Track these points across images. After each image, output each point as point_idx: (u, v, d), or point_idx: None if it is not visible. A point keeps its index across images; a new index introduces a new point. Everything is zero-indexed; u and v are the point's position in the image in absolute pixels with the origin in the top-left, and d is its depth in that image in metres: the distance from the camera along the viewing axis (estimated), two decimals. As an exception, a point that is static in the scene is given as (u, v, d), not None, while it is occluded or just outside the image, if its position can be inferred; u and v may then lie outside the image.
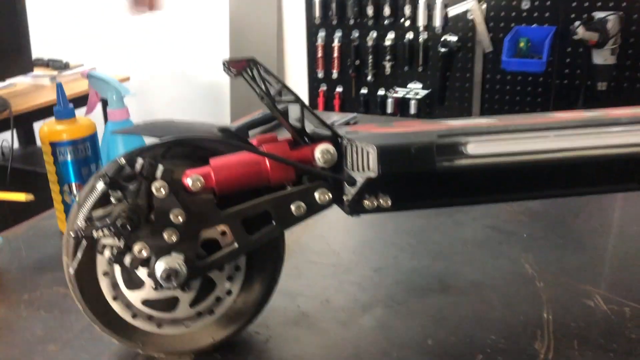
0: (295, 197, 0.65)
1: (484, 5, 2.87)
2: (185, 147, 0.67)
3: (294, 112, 0.68)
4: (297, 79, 3.43)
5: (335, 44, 3.21)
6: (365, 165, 0.64)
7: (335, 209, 0.69)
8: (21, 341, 0.77)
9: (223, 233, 0.67)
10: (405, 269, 0.92)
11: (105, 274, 0.66)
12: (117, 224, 0.60)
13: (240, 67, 0.66)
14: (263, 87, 0.65)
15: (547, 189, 0.67)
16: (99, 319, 0.67)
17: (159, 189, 0.61)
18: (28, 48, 2.58)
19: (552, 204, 1.10)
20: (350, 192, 0.65)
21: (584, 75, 2.73)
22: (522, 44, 2.76)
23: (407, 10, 2.99)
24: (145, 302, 0.67)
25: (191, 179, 0.62)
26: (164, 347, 0.69)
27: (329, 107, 3.37)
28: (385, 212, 0.67)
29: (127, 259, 0.63)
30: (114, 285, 0.66)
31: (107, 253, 0.62)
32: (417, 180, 0.65)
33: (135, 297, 0.67)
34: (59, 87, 1.01)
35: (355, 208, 0.66)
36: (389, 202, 0.66)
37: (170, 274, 0.62)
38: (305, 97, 3.38)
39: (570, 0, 2.69)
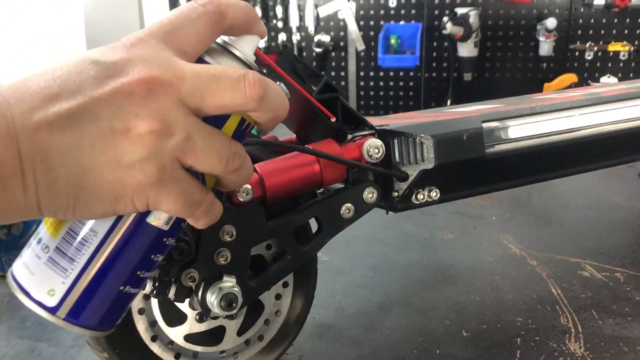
0: (345, 199, 0.60)
1: (354, 5, 2.94)
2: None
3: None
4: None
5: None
6: (419, 157, 0.60)
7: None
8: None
9: (268, 247, 0.60)
10: (401, 264, 0.90)
11: (141, 311, 0.55)
12: (171, 248, 0.50)
13: (272, 60, 0.59)
14: (299, 80, 0.59)
15: (582, 164, 0.68)
16: (134, 367, 0.56)
17: (207, 204, 0.53)
18: None
19: (502, 186, 1.15)
20: (401, 187, 0.62)
21: (451, 68, 2.91)
22: (392, 41, 2.87)
23: (279, 11, 2.97)
24: (188, 338, 0.58)
25: (240, 190, 0.55)
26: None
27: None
28: (431, 205, 0.64)
29: (172, 291, 0.53)
30: (152, 324, 0.56)
31: (148, 286, 0.53)
32: (462, 168, 0.63)
33: (177, 333, 0.57)
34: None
35: (404, 204, 0.62)
36: (438, 194, 0.63)
37: (232, 300, 0.53)
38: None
39: (434, -2, 2.85)
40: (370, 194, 0.61)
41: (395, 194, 0.62)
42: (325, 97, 0.59)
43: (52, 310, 0.39)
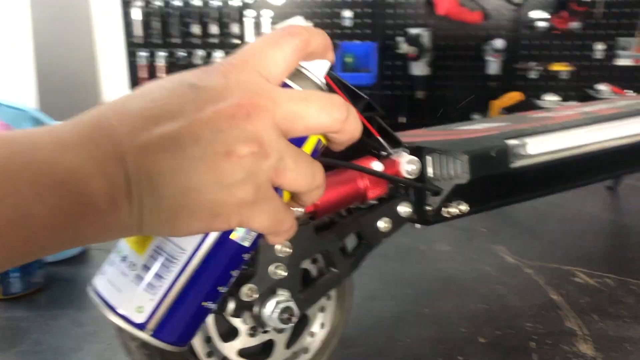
0: (383, 213, 0.63)
1: (310, 24, 2.99)
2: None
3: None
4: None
5: (162, 64, 3.06)
6: (453, 172, 0.64)
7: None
8: None
9: (313, 260, 0.62)
10: (407, 276, 0.93)
11: (198, 328, 0.56)
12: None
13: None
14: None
15: (590, 176, 0.74)
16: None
17: (265, 220, 0.54)
18: None
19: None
20: (434, 201, 0.65)
21: (405, 86, 3.01)
22: (348, 59, 2.94)
23: (235, 28, 2.99)
24: (241, 352, 0.58)
25: (294, 206, 0.56)
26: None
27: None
28: (460, 217, 0.68)
29: (231, 306, 0.54)
30: (207, 340, 0.56)
31: (209, 302, 0.53)
32: (487, 182, 0.68)
33: (230, 348, 0.58)
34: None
35: (436, 218, 0.66)
36: (467, 208, 0.67)
37: (291, 314, 0.55)
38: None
39: (386, 17, 2.94)
40: (406, 208, 0.64)
41: (429, 207, 0.65)
42: (367, 116, 0.62)
43: (141, 327, 0.39)
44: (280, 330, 0.60)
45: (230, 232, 0.40)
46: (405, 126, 3.03)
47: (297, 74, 0.43)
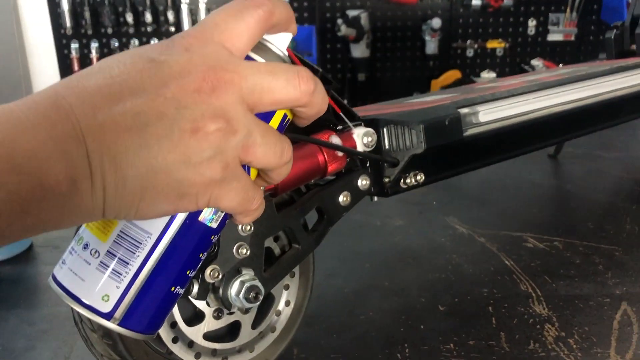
0: (343, 187, 0.63)
1: (247, 8, 2.95)
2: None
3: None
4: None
5: (93, 55, 2.95)
6: (409, 143, 0.64)
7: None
8: None
9: (275, 238, 0.61)
10: (364, 252, 0.94)
11: (162, 313, 0.54)
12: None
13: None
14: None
15: (539, 141, 0.76)
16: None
17: (225, 198, 0.53)
18: None
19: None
20: (392, 173, 0.65)
21: (345, 68, 3.01)
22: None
23: (170, 16, 2.91)
24: (206, 336, 0.57)
25: (253, 183, 0.55)
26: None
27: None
28: (417, 187, 0.68)
29: (194, 289, 0.53)
30: (172, 325, 0.55)
31: (172, 286, 0.52)
32: (442, 151, 0.68)
33: (196, 332, 0.56)
34: None
35: (395, 189, 0.66)
36: (423, 177, 0.67)
37: (257, 292, 0.54)
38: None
39: (325, 0, 2.93)
40: (364, 181, 0.64)
41: (387, 179, 0.66)
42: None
43: (107, 316, 0.38)
44: (246, 311, 0.60)
45: (198, 213, 0.39)
46: (348, 109, 3.05)
47: (260, 47, 0.41)
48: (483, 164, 0.73)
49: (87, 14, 2.89)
